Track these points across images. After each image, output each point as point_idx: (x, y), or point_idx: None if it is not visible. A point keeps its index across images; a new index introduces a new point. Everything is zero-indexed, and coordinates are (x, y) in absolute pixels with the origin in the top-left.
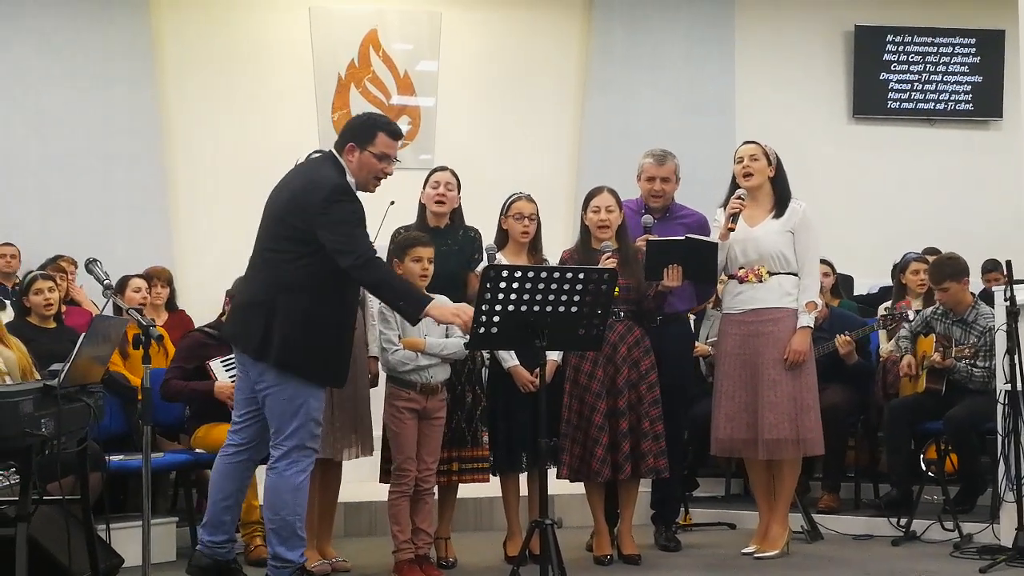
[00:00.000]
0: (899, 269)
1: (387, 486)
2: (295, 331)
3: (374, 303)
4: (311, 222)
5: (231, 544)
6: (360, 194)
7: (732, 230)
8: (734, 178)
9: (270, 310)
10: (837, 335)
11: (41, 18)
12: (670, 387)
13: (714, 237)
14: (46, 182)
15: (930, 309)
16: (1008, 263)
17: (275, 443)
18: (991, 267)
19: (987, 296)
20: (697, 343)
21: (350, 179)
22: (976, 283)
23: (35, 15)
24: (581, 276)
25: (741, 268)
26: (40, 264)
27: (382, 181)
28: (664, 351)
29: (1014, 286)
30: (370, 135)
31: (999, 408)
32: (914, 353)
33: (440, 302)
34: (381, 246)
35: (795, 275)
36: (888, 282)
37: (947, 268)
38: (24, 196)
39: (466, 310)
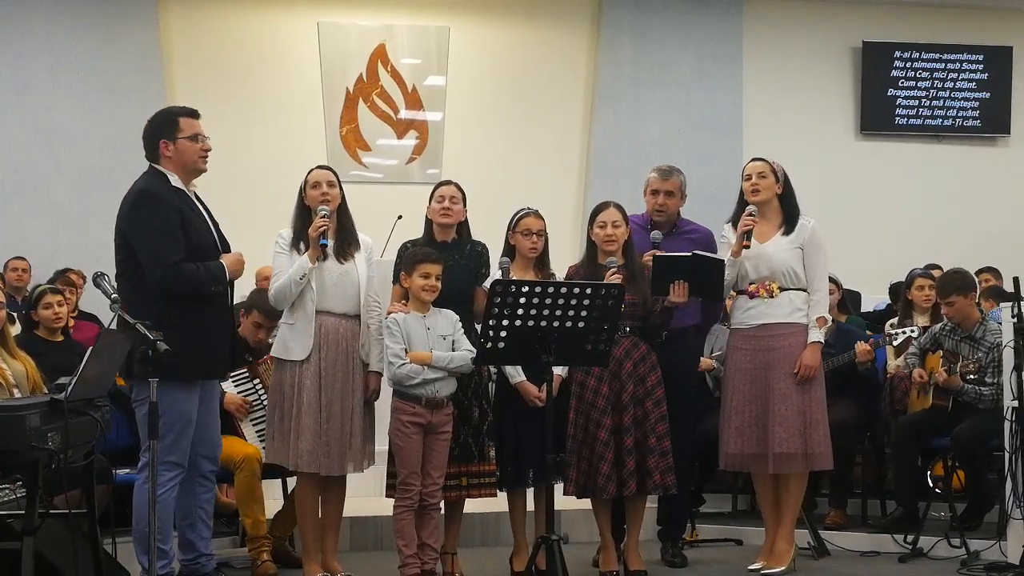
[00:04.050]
0: (904, 285)
1: (392, 500)
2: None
3: (374, 319)
4: (125, 235)
5: (205, 558)
6: (369, 208)
7: (747, 247)
8: (742, 195)
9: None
10: (858, 343)
11: (52, 34)
12: (677, 403)
13: (723, 254)
14: (57, 196)
15: (939, 325)
16: (1016, 280)
17: (141, 455)
18: (983, 270)
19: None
20: (701, 358)
21: (175, 180)
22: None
23: (46, 32)
24: (588, 291)
25: (752, 284)
26: (49, 278)
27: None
28: (671, 367)
29: (1023, 303)
30: (173, 124)
31: (1007, 425)
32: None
33: (228, 259)
34: (388, 260)
35: (805, 291)
36: (886, 300)
37: (954, 281)
38: (35, 210)
39: (241, 256)
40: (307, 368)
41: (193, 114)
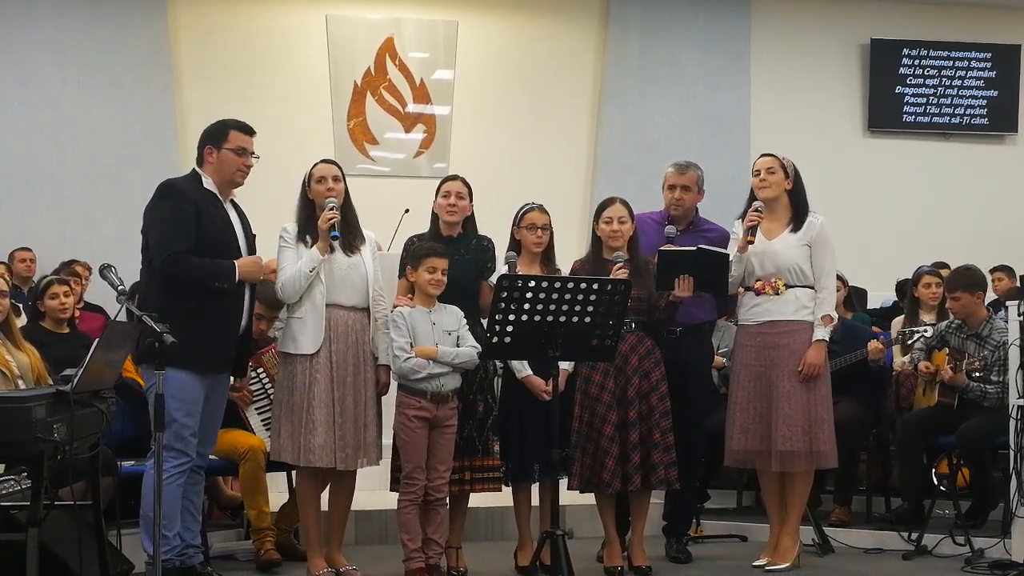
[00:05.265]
0: (911, 283)
1: (397, 494)
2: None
3: (380, 313)
4: (145, 226)
5: (193, 549)
6: (376, 202)
7: (751, 243)
8: (752, 191)
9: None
10: (870, 341)
11: (60, 27)
12: (691, 398)
13: (732, 250)
14: (63, 188)
15: (945, 323)
16: (1022, 277)
17: (152, 443)
18: (997, 268)
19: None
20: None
21: (209, 183)
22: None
23: (54, 25)
24: (595, 287)
25: (758, 280)
26: (55, 269)
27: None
28: (685, 362)
29: None
30: (223, 134)
31: (1011, 423)
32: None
33: (243, 260)
34: (394, 254)
35: (811, 288)
36: (893, 297)
37: (961, 278)
38: (41, 202)
39: (259, 260)
40: (318, 362)
41: (246, 129)
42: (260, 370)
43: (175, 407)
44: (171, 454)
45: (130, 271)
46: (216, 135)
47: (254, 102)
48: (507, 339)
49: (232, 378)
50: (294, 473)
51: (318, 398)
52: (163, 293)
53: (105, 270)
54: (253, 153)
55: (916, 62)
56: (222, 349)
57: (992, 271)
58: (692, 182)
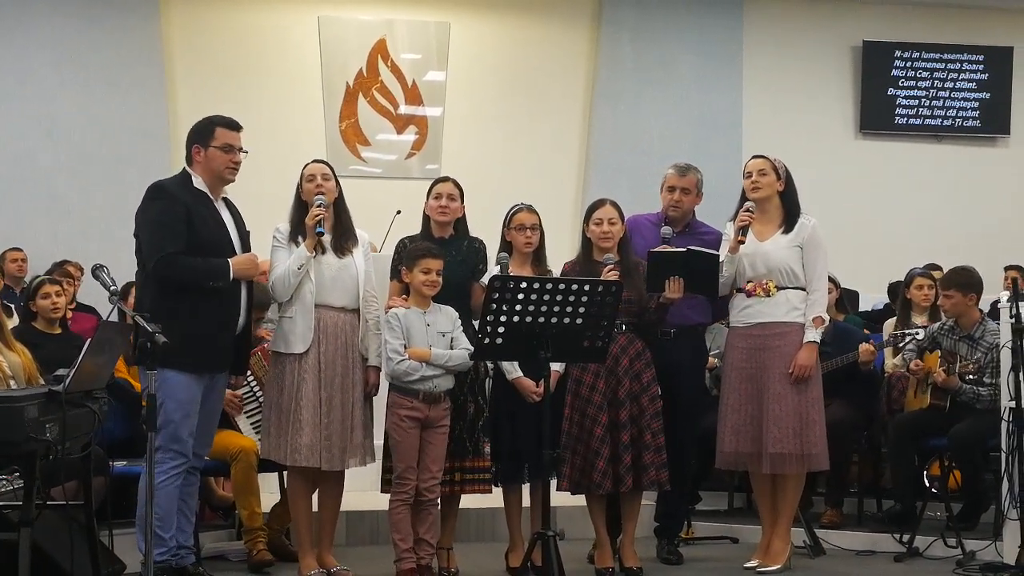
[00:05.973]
0: (903, 284)
1: (388, 495)
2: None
3: (372, 314)
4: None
5: (184, 551)
6: (368, 203)
7: (742, 243)
8: (743, 192)
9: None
10: (861, 344)
11: (54, 26)
12: (683, 400)
13: (724, 251)
14: (56, 187)
15: (937, 324)
16: (1014, 280)
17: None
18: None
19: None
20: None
21: (199, 182)
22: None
23: (48, 23)
24: (587, 288)
25: (749, 282)
26: (47, 269)
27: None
28: (678, 364)
29: (1020, 303)
30: (209, 132)
31: (1003, 425)
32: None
33: (237, 258)
34: (386, 255)
35: (803, 290)
36: (885, 299)
37: (957, 277)
38: (34, 201)
39: (254, 258)
40: (306, 362)
41: (232, 125)
42: (248, 374)
43: (173, 408)
44: (168, 455)
45: (123, 271)
46: (203, 133)
47: (247, 103)
48: (498, 340)
49: (232, 376)
50: (285, 473)
51: (305, 398)
52: (158, 295)
53: (97, 270)
54: (241, 149)
55: (908, 64)
56: (219, 349)
57: (1007, 269)
58: (692, 185)
